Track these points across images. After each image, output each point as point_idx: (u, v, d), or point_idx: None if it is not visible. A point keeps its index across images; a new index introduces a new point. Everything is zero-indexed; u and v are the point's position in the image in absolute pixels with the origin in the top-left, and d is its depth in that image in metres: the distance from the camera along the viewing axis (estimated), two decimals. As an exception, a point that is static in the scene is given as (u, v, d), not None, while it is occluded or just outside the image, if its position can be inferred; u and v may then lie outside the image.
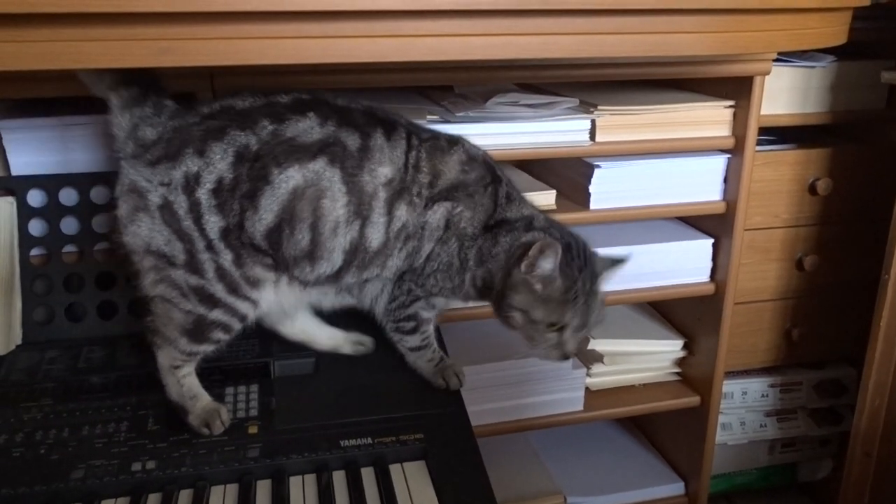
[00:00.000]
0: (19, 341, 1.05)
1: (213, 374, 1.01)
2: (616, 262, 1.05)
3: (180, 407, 0.96)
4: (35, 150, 1.11)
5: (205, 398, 0.97)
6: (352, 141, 0.95)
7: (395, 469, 0.91)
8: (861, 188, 1.57)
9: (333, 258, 0.97)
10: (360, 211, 0.95)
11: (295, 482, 0.88)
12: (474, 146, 1.04)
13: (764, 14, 0.89)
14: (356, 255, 0.98)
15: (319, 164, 0.92)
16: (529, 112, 1.27)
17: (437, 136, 1.02)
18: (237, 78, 1.05)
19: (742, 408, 1.70)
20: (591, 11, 0.83)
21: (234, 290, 0.95)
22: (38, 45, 0.69)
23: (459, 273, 1.02)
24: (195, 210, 0.91)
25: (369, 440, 0.93)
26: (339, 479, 0.89)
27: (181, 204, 0.91)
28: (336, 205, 0.94)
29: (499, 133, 1.24)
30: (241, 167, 0.91)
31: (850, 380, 1.72)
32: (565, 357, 1.01)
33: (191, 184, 0.91)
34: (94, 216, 1.09)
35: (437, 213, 0.99)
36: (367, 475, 0.90)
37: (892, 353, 1.42)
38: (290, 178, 0.92)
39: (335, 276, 0.99)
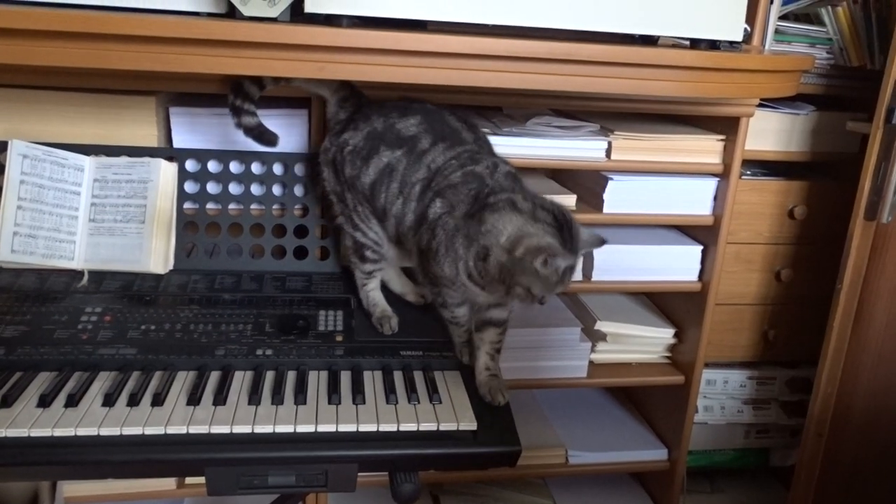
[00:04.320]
0: (172, 266, 1.43)
1: (310, 302, 1.39)
2: (599, 241, 1.22)
3: (367, 311, 1.38)
4: (191, 131, 1.50)
5: (382, 307, 1.38)
6: (423, 143, 1.30)
7: (437, 374, 1.26)
8: (831, 216, 1.86)
9: (390, 223, 1.33)
10: (402, 191, 1.30)
11: (367, 375, 1.24)
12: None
13: (720, 72, 1.24)
14: (400, 225, 1.32)
15: (398, 153, 1.30)
16: (560, 132, 1.61)
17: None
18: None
19: (723, 394, 2.01)
20: (595, 62, 1.20)
21: (360, 220, 1.37)
22: (249, 59, 1.08)
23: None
24: (341, 163, 1.35)
25: (420, 353, 1.29)
26: (398, 376, 1.24)
27: (338, 158, 1.35)
28: (393, 184, 1.30)
29: (534, 146, 1.57)
30: (368, 140, 1.32)
31: (818, 380, 2.01)
32: (541, 302, 1.18)
33: (343, 146, 1.34)
34: (231, 182, 1.48)
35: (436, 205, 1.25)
36: (418, 376, 1.25)
37: (843, 349, 1.72)
38: (384, 156, 1.30)
39: (396, 239, 1.35)
